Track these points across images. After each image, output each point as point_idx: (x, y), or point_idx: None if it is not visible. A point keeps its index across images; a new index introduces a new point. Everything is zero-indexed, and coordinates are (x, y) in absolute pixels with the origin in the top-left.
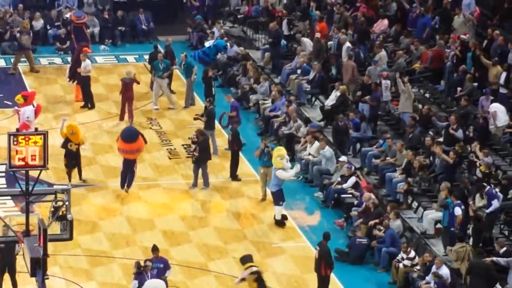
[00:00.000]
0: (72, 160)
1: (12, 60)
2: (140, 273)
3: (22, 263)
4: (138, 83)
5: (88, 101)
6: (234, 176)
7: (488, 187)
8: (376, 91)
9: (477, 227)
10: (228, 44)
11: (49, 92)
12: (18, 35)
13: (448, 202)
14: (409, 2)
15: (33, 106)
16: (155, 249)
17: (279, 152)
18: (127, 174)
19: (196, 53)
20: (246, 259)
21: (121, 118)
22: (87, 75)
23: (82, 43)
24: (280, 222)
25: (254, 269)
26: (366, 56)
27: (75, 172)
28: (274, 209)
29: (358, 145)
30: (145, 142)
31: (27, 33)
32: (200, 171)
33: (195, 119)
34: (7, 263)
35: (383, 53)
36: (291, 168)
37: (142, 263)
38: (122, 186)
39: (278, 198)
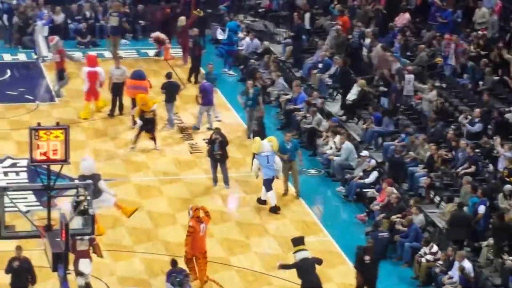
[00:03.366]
0: (148, 125)
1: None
2: None
3: (44, 257)
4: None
5: (113, 108)
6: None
7: None
8: (393, 83)
9: (498, 226)
10: (249, 37)
11: (71, 86)
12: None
13: (471, 201)
14: None
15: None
16: (175, 263)
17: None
18: None
19: (219, 51)
20: (298, 241)
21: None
22: (119, 82)
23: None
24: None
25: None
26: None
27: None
28: (268, 195)
29: (380, 139)
30: (150, 86)
31: (118, 15)
32: (219, 168)
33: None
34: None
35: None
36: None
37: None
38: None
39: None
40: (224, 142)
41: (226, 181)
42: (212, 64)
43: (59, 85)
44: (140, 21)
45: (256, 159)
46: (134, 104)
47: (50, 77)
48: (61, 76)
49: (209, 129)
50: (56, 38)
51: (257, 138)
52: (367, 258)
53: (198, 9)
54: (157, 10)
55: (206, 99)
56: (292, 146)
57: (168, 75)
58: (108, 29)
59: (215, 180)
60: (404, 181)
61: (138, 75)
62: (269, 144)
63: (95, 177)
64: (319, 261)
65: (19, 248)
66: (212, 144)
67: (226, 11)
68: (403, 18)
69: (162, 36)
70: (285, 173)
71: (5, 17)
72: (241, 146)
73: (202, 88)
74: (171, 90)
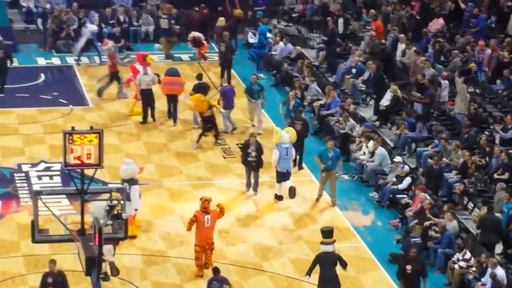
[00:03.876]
0: (208, 123)
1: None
2: None
3: (77, 261)
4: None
5: (147, 118)
6: (300, 165)
7: None
8: (429, 89)
9: None
10: (282, 43)
11: (104, 90)
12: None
13: (507, 207)
14: (464, 1)
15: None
16: (216, 271)
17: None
18: (172, 110)
19: (250, 54)
20: (326, 234)
21: None
22: (149, 89)
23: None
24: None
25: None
26: None
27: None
28: (284, 185)
29: (413, 145)
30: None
31: (168, 17)
32: (252, 174)
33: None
34: None
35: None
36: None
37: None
38: (169, 117)
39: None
40: (259, 151)
41: (255, 187)
42: (256, 75)
43: (102, 84)
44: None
45: (276, 149)
46: (169, 100)
47: (83, 81)
48: (113, 77)
49: (224, 132)
50: (109, 43)
51: (278, 129)
52: (408, 268)
53: (237, 10)
54: (191, 13)
55: (227, 103)
56: (333, 155)
57: (199, 77)
58: (159, 32)
59: (248, 186)
60: (441, 190)
61: (173, 72)
62: (287, 135)
63: (130, 182)
64: (343, 263)
65: (53, 262)
66: (246, 151)
67: (262, 16)
68: (436, 24)
69: (198, 34)
70: (323, 180)
71: (39, 21)
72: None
73: (222, 92)
74: (202, 92)
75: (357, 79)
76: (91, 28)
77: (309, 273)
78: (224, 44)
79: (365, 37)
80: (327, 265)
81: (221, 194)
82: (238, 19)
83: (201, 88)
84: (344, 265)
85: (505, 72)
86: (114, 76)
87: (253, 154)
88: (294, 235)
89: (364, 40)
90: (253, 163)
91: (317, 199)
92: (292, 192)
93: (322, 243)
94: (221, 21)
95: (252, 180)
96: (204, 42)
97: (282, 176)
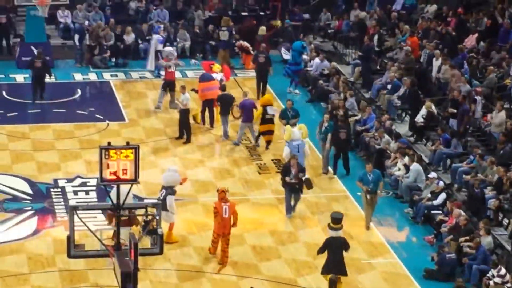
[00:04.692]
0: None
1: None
2: None
3: (112, 276)
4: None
5: (183, 134)
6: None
7: None
8: (463, 104)
9: None
10: (318, 59)
11: (140, 106)
12: (216, 32)
13: None
14: (502, 16)
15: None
16: None
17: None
18: (209, 114)
19: (286, 71)
20: (335, 220)
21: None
22: (186, 108)
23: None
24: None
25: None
26: None
27: None
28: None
29: (448, 161)
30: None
31: (228, 29)
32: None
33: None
34: None
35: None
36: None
37: None
38: (204, 123)
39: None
40: (302, 172)
41: (293, 209)
42: (291, 100)
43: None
44: (211, 42)
45: (287, 146)
46: (205, 105)
47: (119, 97)
48: (168, 88)
49: (235, 144)
50: (167, 48)
51: (289, 127)
52: None
53: (275, 21)
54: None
55: (246, 116)
56: (374, 177)
57: (222, 88)
58: (220, 44)
59: (288, 210)
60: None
61: (207, 77)
62: (299, 132)
63: (167, 190)
64: (346, 246)
65: None
66: (286, 174)
67: (289, 24)
68: (472, 40)
69: (246, 44)
70: (367, 206)
71: (76, 37)
72: (310, 168)
73: (241, 105)
74: (225, 103)
75: (392, 95)
76: (155, 37)
77: (320, 252)
78: (263, 55)
79: (400, 53)
80: (335, 249)
81: (256, 209)
82: (277, 30)
83: (225, 99)
84: (346, 248)
85: None
86: (169, 85)
87: (298, 176)
88: None
89: (399, 56)
90: (296, 185)
91: (367, 227)
92: (308, 183)
93: (331, 228)
94: (263, 30)
95: (292, 202)
96: (251, 52)
97: None
